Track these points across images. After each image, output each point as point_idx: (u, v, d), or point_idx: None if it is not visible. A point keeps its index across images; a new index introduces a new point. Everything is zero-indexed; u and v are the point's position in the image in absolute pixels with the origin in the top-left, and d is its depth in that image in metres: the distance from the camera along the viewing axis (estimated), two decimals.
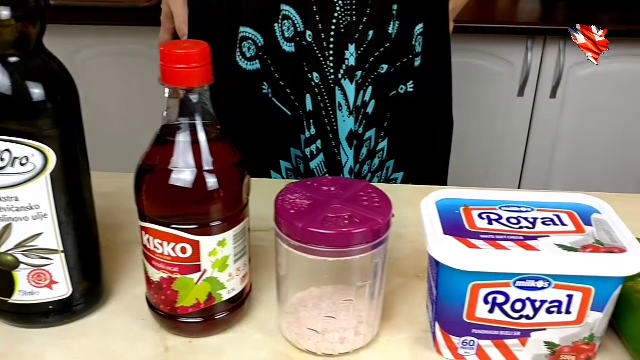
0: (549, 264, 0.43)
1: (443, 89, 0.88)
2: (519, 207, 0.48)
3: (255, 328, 0.51)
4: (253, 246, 0.51)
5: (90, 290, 0.51)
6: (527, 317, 0.45)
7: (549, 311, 0.44)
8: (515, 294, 0.44)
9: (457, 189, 0.51)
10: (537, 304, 0.44)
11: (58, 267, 0.47)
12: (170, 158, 0.44)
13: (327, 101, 0.76)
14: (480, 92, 1.64)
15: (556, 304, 0.44)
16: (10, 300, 0.48)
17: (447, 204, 0.49)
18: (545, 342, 0.46)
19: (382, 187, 0.49)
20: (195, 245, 0.45)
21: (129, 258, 0.58)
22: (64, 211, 0.46)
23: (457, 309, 0.45)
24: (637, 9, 1.67)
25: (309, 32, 0.74)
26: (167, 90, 0.44)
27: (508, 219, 0.47)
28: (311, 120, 0.77)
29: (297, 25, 0.75)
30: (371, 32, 0.75)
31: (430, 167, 0.89)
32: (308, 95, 0.76)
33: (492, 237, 0.45)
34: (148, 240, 0.46)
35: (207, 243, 0.45)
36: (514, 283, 0.43)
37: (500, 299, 0.44)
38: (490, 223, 0.46)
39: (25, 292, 0.48)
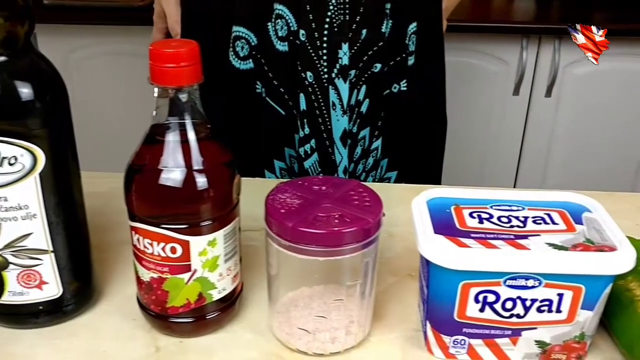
0: (540, 263, 0.43)
1: (437, 88, 0.88)
2: (509, 206, 0.48)
3: (246, 328, 0.50)
4: (244, 246, 0.51)
5: (80, 290, 0.51)
6: (518, 316, 0.45)
7: (539, 310, 0.44)
8: (505, 292, 0.44)
9: (448, 187, 0.51)
10: (528, 303, 0.44)
11: (48, 268, 0.47)
12: (159, 157, 0.44)
13: (321, 100, 0.76)
14: (476, 91, 1.64)
15: (547, 302, 0.44)
16: (0, 301, 0.48)
17: (438, 202, 0.49)
18: (536, 341, 0.46)
19: (373, 186, 0.48)
20: (185, 245, 0.45)
21: (119, 258, 0.57)
22: (53, 211, 0.46)
23: (447, 308, 0.45)
24: (631, 8, 1.67)
25: (302, 31, 0.74)
26: (156, 90, 0.43)
27: (499, 218, 0.47)
28: (305, 120, 0.77)
29: (291, 24, 0.75)
30: (364, 31, 0.75)
31: (424, 166, 0.89)
32: (302, 95, 0.76)
33: (483, 236, 0.45)
34: (138, 240, 0.46)
35: (197, 243, 0.45)
36: (505, 282, 0.43)
37: (491, 297, 0.44)
38: (480, 222, 0.46)
39: (14, 292, 0.47)
